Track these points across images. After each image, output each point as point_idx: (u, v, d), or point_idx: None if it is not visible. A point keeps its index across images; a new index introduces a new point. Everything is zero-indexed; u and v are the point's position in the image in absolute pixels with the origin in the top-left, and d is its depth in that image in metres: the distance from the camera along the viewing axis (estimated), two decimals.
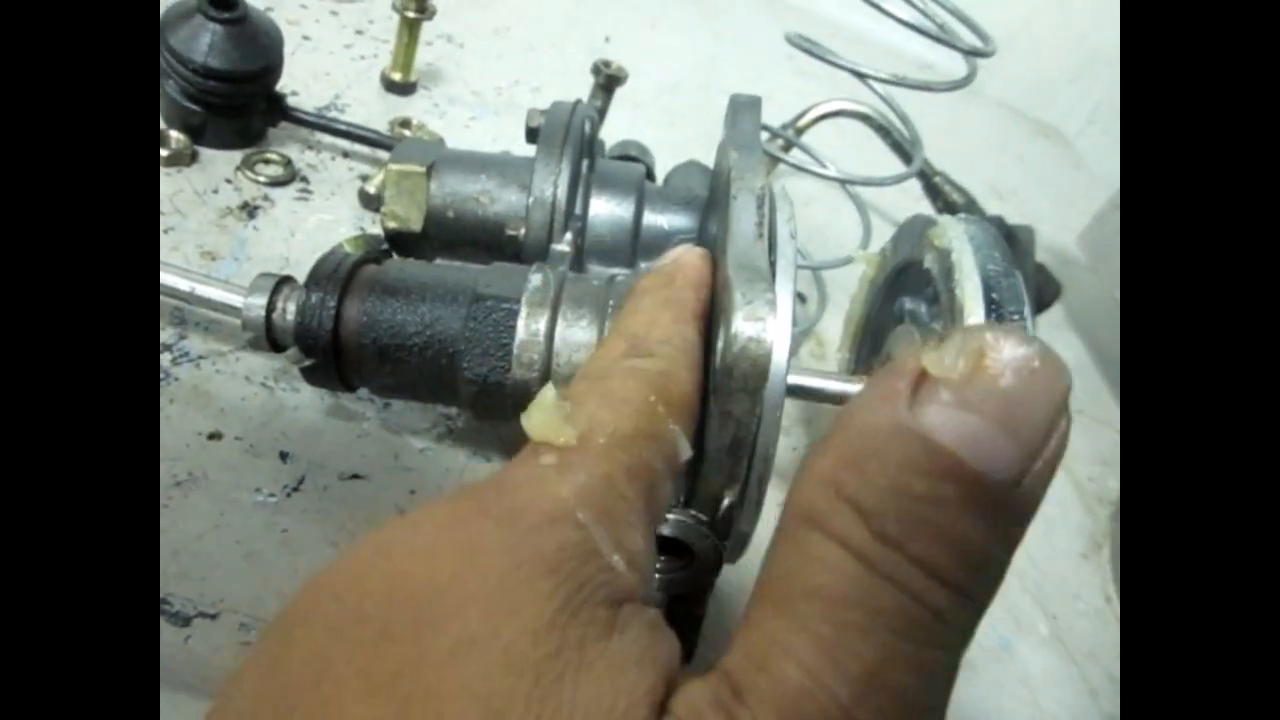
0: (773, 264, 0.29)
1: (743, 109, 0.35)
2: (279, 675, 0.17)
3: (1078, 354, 0.73)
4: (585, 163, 0.41)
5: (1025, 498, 0.17)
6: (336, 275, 0.34)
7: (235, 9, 0.45)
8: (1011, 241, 0.68)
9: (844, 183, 0.52)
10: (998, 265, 0.30)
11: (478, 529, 0.19)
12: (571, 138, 0.39)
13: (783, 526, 0.19)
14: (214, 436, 0.36)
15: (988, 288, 0.29)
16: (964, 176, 0.95)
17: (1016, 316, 0.29)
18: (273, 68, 0.48)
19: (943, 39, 0.41)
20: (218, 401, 0.37)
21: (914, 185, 0.71)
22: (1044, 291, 0.68)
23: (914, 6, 0.45)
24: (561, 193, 0.38)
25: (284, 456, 0.36)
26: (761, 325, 0.24)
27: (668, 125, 0.76)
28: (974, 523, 0.17)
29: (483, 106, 0.65)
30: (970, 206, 0.70)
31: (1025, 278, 0.65)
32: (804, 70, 0.47)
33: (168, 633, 0.30)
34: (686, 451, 0.23)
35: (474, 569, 0.18)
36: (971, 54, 0.43)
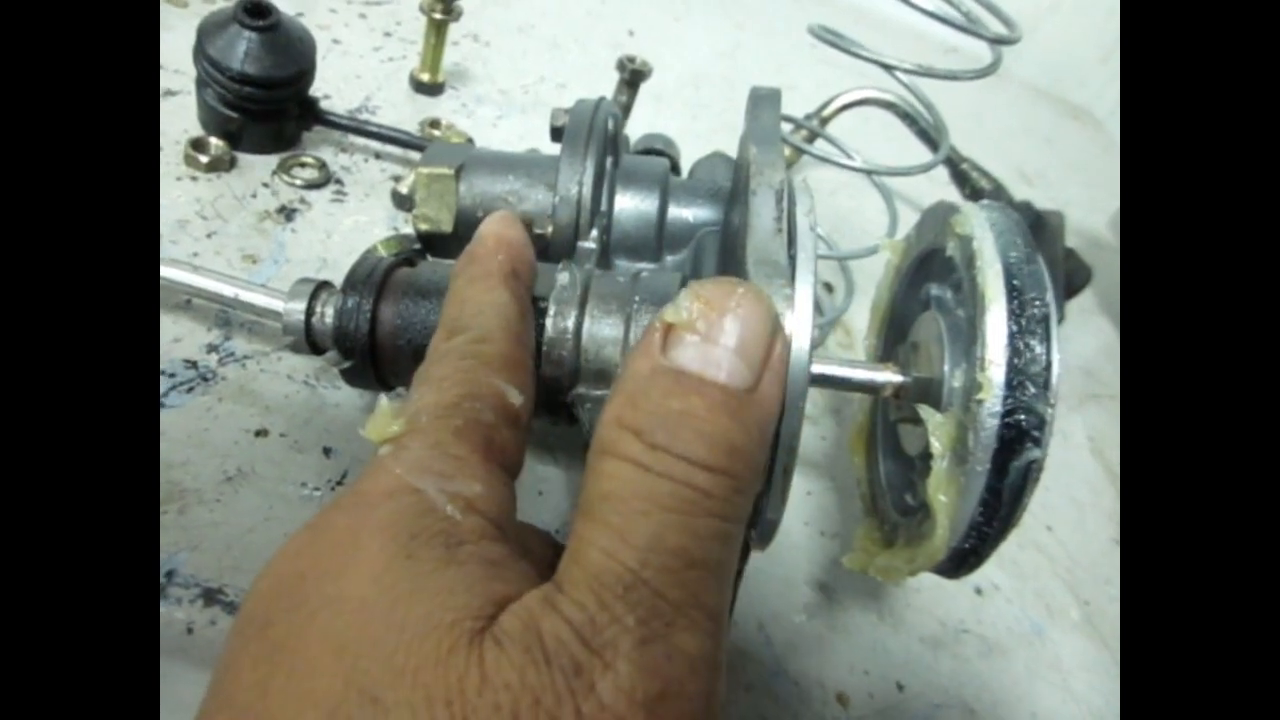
0: (793, 257, 0.30)
1: (763, 102, 0.36)
2: (216, 672, 0.21)
3: (1108, 338, 0.73)
4: (609, 160, 0.41)
5: (762, 398, 0.23)
6: (371, 279, 0.35)
7: (269, 17, 0.47)
8: (1040, 226, 0.67)
9: (870, 173, 0.52)
10: (1019, 252, 0.30)
11: (331, 521, 0.23)
12: (595, 135, 0.40)
13: (588, 460, 0.23)
14: (260, 433, 0.37)
15: (1009, 274, 0.29)
16: (992, 161, 0.94)
17: (1038, 302, 0.29)
18: (306, 72, 0.49)
19: (968, 28, 0.41)
20: (263, 399, 0.39)
21: (941, 171, 0.71)
22: (1074, 277, 0.68)
23: None
24: (586, 191, 0.39)
25: (327, 452, 0.38)
26: (780, 320, 0.24)
27: (691, 117, 0.76)
28: (721, 419, 0.22)
29: (509, 105, 0.66)
30: (997, 192, 0.69)
31: (1054, 262, 0.64)
32: (828, 59, 0.47)
33: (223, 622, 0.31)
34: (517, 398, 0.27)
35: (326, 551, 0.22)
36: (997, 42, 0.43)
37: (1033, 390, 0.28)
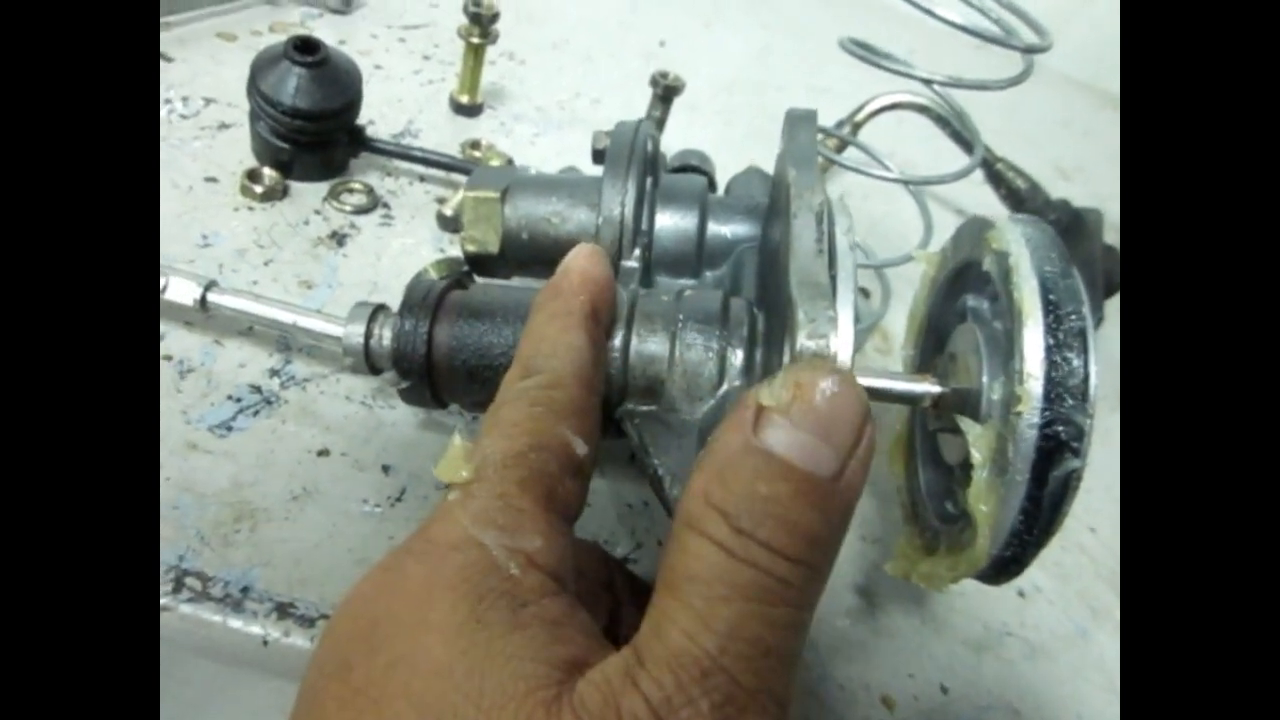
0: (833, 277, 0.31)
1: (799, 123, 0.37)
2: (301, 702, 0.23)
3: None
4: (649, 180, 0.43)
5: (845, 488, 0.23)
6: (427, 302, 0.37)
7: (317, 53, 0.49)
8: (1079, 225, 0.67)
9: (903, 183, 0.53)
10: (1055, 266, 0.31)
11: (402, 567, 0.24)
12: (636, 157, 0.41)
13: (673, 530, 0.24)
14: (323, 453, 0.39)
15: (1045, 289, 0.30)
16: (1028, 157, 0.94)
17: (1075, 316, 0.29)
18: (353, 103, 0.51)
19: (998, 39, 0.42)
20: (324, 420, 0.41)
21: (976, 172, 0.71)
22: (1113, 275, 0.67)
23: (969, 4, 0.45)
24: (629, 211, 0.40)
25: (385, 469, 0.39)
26: (824, 342, 0.25)
27: (725, 125, 0.77)
28: (805, 510, 0.22)
29: (546, 121, 0.68)
30: (1034, 191, 0.69)
31: (1092, 261, 0.64)
32: (860, 61, 0.47)
33: (295, 634, 0.33)
34: (582, 448, 0.28)
35: (400, 599, 0.24)
36: (1028, 50, 0.43)
37: (1071, 402, 0.29)
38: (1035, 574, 0.46)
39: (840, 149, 0.70)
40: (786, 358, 0.27)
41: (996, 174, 0.70)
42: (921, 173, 0.72)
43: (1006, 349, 0.31)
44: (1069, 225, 0.67)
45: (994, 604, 0.44)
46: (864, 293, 0.61)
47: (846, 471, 0.23)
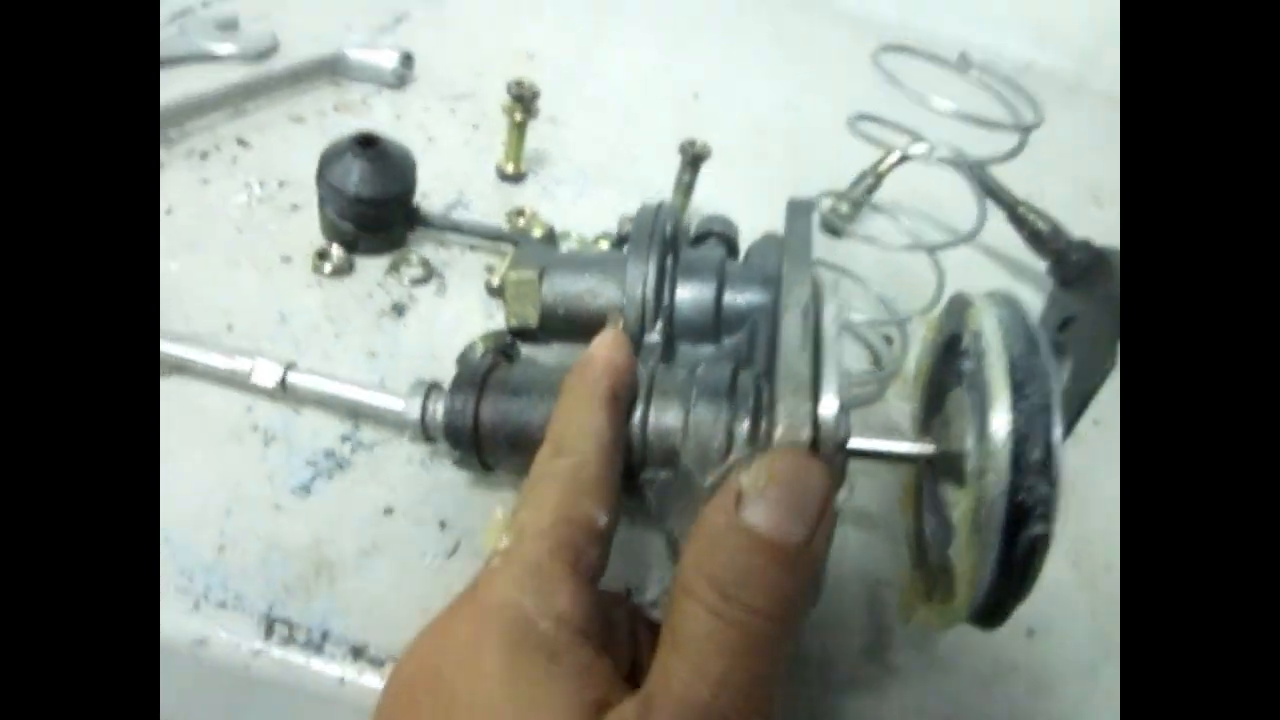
0: (821, 360, 0.35)
1: (797, 212, 0.41)
2: None
3: None
4: (670, 258, 0.47)
5: (812, 552, 0.28)
6: (473, 381, 0.42)
7: (377, 146, 0.55)
8: (1100, 265, 0.69)
9: (918, 249, 0.56)
10: (1022, 346, 0.34)
11: (454, 625, 0.30)
12: (656, 240, 0.46)
13: (673, 594, 0.29)
14: (388, 511, 0.45)
15: (1012, 369, 0.33)
16: (1063, 183, 0.96)
17: (1039, 394, 0.33)
18: (409, 187, 0.57)
19: (991, 122, 0.45)
20: (388, 481, 0.46)
21: (999, 213, 0.73)
22: None
23: (969, 72, 0.49)
24: (650, 291, 0.45)
25: (442, 525, 0.45)
26: (798, 437, 0.30)
27: (755, 175, 0.81)
28: (779, 574, 0.27)
29: (585, 181, 0.73)
30: (1055, 233, 0.71)
31: (1110, 300, 0.66)
32: (890, 97, 0.51)
33: (367, 674, 0.39)
34: (603, 520, 0.33)
35: (455, 650, 0.29)
36: (1023, 129, 0.47)
37: (1035, 473, 0.32)
38: (1045, 609, 0.49)
39: (854, 211, 0.74)
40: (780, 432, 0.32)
41: (1019, 217, 0.73)
42: (942, 220, 0.75)
43: (982, 421, 0.34)
44: (1089, 265, 0.69)
45: (1003, 642, 0.47)
46: (887, 339, 0.64)
47: (814, 539, 0.28)
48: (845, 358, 0.37)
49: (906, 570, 0.44)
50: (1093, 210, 0.94)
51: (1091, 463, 0.60)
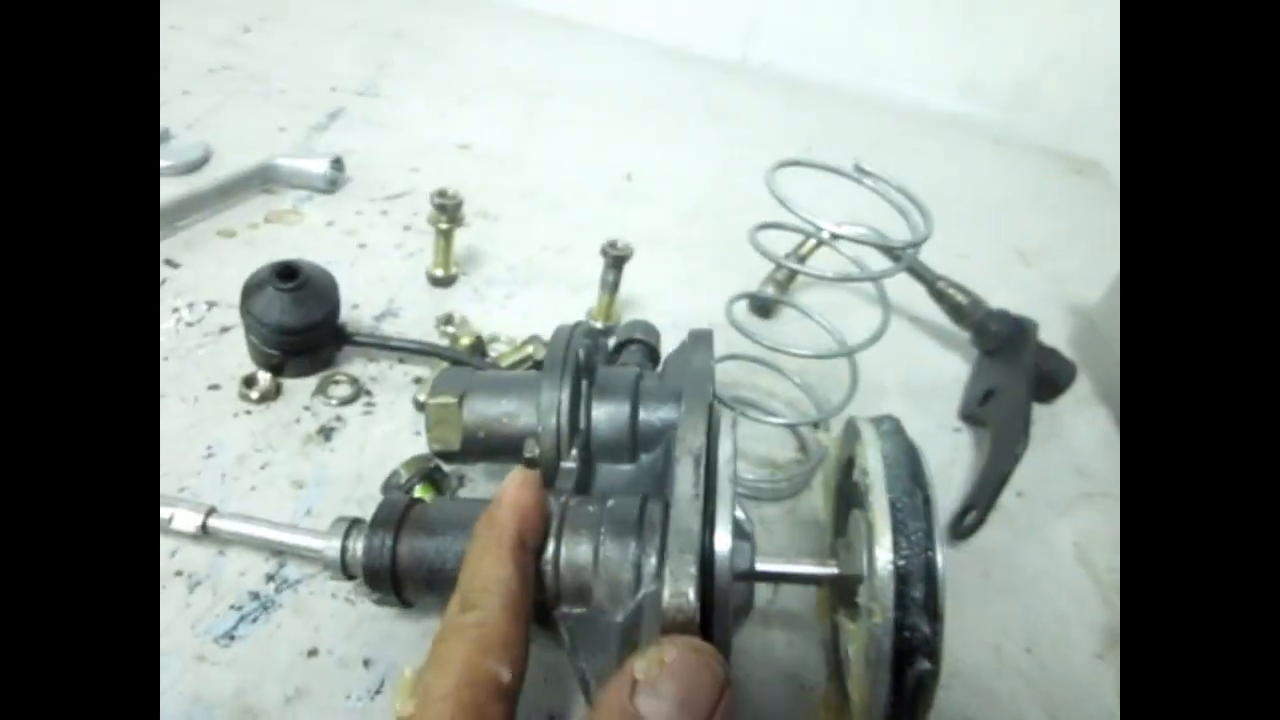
0: (717, 496, 0.36)
1: (697, 344, 0.42)
2: None
3: (1103, 429, 0.76)
4: (585, 381, 0.48)
5: None
6: (391, 519, 0.43)
7: (297, 278, 0.56)
8: (1019, 333, 0.72)
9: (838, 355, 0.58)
10: (903, 484, 0.36)
11: None
12: (569, 365, 0.47)
13: None
14: (312, 653, 0.45)
15: (894, 508, 0.35)
16: (991, 240, 0.99)
17: (919, 533, 0.34)
18: (333, 311, 0.58)
19: (878, 243, 0.47)
20: (313, 619, 0.46)
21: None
22: (1057, 377, 0.71)
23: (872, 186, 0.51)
24: (564, 418, 0.46)
25: (366, 664, 0.45)
26: (683, 600, 0.31)
27: (685, 258, 0.83)
28: None
29: (515, 280, 0.74)
30: (975, 305, 0.74)
31: (1025, 369, 0.68)
32: (818, 174, 0.52)
33: None
34: (507, 676, 0.33)
35: None
36: (908, 246, 0.49)
37: (916, 612, 0.33)
38: (968, 702, 0.50)
39: (789, 283, 0.76)
40: (666, 594, 0.33)
41: (939, 292, 0.75)
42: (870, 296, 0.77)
43: (869, 557, 0.36)
44: (1010, 335, 0.72)
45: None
46: (814, 425, 0.65)
47: None
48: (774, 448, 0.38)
49: (824, 679, 0.45)
50: (1021, 270, 0.97)
51: (1014, 540, 0.61)
